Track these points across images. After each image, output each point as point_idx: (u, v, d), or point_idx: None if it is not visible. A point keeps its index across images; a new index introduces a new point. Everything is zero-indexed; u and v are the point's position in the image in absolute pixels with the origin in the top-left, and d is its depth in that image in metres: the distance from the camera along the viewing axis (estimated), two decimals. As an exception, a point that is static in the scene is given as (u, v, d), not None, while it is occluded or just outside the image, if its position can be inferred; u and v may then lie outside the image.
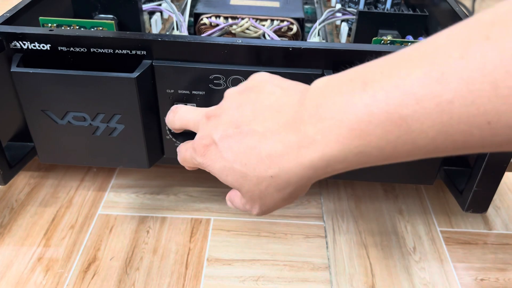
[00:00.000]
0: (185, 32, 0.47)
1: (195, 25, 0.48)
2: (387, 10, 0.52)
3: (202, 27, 0.48)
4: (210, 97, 0.39)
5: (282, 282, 0.42)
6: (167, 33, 0.50)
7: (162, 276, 0.43)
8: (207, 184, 0.54)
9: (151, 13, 0.51)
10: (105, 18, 0.47)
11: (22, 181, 0.53)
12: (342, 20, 0.52)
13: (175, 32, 0.47)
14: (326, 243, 0.47)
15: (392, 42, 0.41)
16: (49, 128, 0.39)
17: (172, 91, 0.39)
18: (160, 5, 0.50)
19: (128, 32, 0.38)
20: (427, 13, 0.46)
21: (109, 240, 0.46)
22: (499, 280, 0.44)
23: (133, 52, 0.37)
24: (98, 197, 0.52)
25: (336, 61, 0.37)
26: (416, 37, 0.46)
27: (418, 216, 0.50)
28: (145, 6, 0.50)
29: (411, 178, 0.42)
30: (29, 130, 0.40)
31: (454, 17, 0.46)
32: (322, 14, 0.59)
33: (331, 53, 0.37)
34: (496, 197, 0.54)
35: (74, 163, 0.43)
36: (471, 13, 1.06)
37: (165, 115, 0.40)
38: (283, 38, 0.48)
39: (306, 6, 0.60)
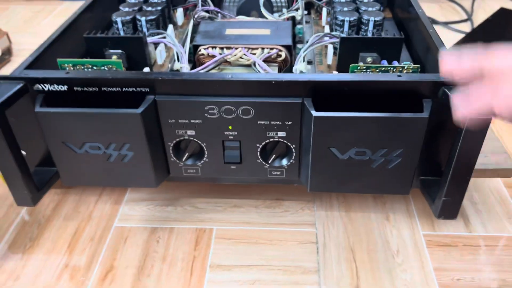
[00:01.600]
0: (185, 63, 0.52)
1: (194, 55, 0.54)
2: (370, 31, 0.56)
3: (201, 57, 0.53)
4: (206, 124, 0.45)
5: (275, 285, 0.48)
6: (169, 65, 0.55)
7: (171, 282, 0.49)
8: (211, 195, 0.59)
9: (157, 43, 0.57)
10: (114, 53, 0.53)
11: (47, 197, 0.59)
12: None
13: (176, 64, 0.53)
14: (317, 248, 0.52)
15: (367, 68, 0.46)
16: (69, 156, 0.46)
17: (173, 120, 0.45)
18: (164, 37, 0.56)
19: (133, 72, 0.44)
20: (403, 36, 0.50)
21: (124, 250, 0.52)
22: (474, 279, 0.48)
23: (138, 89, 0.43)
24: (114, 210, 0.58)
25: (314, 90, 0.42)
26: (390, 61, 0.50)
27: (404, 221, 0.55)
28: (150, 39, 0.55)
29: (387, 188, 0.46)
30: (52, 158, 0.46)
31: (428, 38, 0.50)
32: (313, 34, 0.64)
33: (309, 84, 0.42)
34: (478, 200, 0.58)
35: (92, 184, 0.49)
36: (469, 14, 1.09)
37: (169, 141, 0.46)
38: (274, 64, 0.53)
39: (299, 26, 0.65)
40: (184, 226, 0.55)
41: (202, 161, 0.48)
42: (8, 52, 0.94)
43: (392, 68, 0.46)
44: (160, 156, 0.47)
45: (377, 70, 0.46)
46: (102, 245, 0.53)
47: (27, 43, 1.03)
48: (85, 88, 0.43)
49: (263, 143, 0.46)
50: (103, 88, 0.43)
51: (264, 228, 0.55)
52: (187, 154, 0.47)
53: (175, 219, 0.56)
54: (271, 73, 0.43)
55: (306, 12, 0.68)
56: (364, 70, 0.46)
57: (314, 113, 0.41)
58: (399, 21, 0.66)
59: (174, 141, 0.46)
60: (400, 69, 0.46)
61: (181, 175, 0.49)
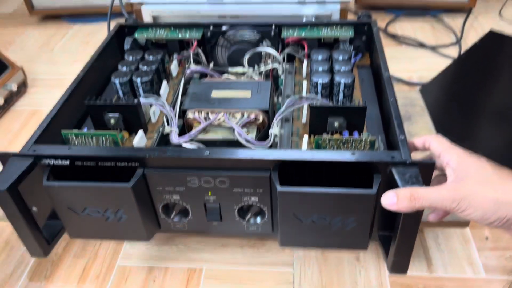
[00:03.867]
0: (174, 127, 0.59)
1: (183, 117, 0.61)
2: (342, 91, 0.62)
3: (189, 119, 0.60)
4: (189, 191, 0.52)
5: (253, 325, 0.55)
6: (160, 128, 0.62)
7: (164, 318, 0.57)
8: (202, 235, 0.66)
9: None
10: (112, 117, 0.60)
11: (59, 238, 0.68)
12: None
13: (166, 127, 0.59)
14: (292, 288, 0.59)
15: (329, 140, 0.52)
16: (74, 217, 0.53)
17: (160, 188, 0.52)
18: (157, 99, 0.62)
19: (125, 149, 0.51)
20: (366, 106, 0.56)
21: (125, 289, 0.61)
22: (428, 320, 0.55)
23: (129, 164, 0.50)
24: (117, 249, 0.66)
25: (279, 165, 0.49)
26: (356, 124, 0.56)
27: (372, 262, 0.62)
28: (143, 100, 0.62)
29: (348, 245, 0.53)
30: (59, 218, 0.54)
31: (388, 109, 0.56)
32: (294, 84, 0.70)
33: (274, 161, 0.48)
34: (442, 241, 0.64)
35: (94, 238, 0.56)
36: (458, 37, 1.12)
37: (157, 203, 0.54)
38: (253, 126, 0.59)
39: (282, 77, 0.71)
40: (177, 266, 0.63)
41: (187, 219, 0.55)
42: (23, 85, 1.03)
43: (351, 140, 0.52)
44: (150, 215, 0.54)
45: (338, 142, 0.52)
46: (106, 283, 0.61)
47: (41, 72, 1.12)
48: (84, 163, 0.51)
49: (240, 206, 0.53)
50: (99, 163, 0.51)
51: (247, 268, 0.62)
52: (174, 213, 0.55)
53: (170, 258, 0.64)
54: (242, 151, 0.49)
55: (287, 65, 0.74)
56: (327, 142, 0.52)
57: (279, 188, 0.47)
58: (376, 69, 0.71)
59: (162, 203, 0.53)
60: (359, 141, 0.52)
61: (170, 229, 0.56)
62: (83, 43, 1.23)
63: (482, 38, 1.09)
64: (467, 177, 0.44)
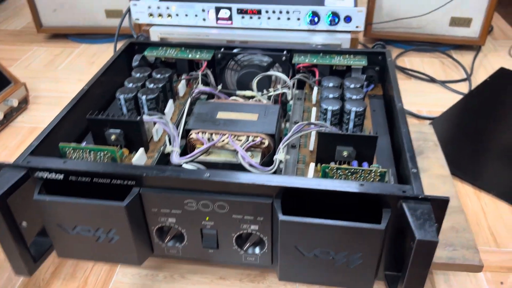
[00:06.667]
0: (176, 147, 0.57)
1: (187, 137, 0.59)
2: (352, 120, 0.60)
3: (192, 140, 0.58)
4: (186, 214, 0.49)
5: None
6: (161, 147, 0.60)
7: None
8: (200, 263, 0.63)
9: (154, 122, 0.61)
10: (113, 133, 0.57)
11: (48, 260, 0.63)
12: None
13: (168, 147, 0.57)
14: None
15: (337, 169, 0.50)
16: (63, 235, 0.50)
17: (156, 209, 0.49)
18: (161, 118, 0.60)
19: (121, 166, 0.49)
20: (377, 135, 0.53)
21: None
22: None
23: (125, 182, 0.48)
24: (109, 276, 0.62)
25: (283, 192, 0.46)
26: (365, 155, 0.54)
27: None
28: (146, 118, 0.60)
29: (351, 284, 0.49)
30: (48, 235, 0.51)
31: (400, 139, 0.54)
32: (303, 111, 0.68)
33: (278, 188, 0.46)
34: (454, 284, 0.60)
35: (83, 259, 0.53)
36: (468, 74, 1.11)
37: (152, 226, 0.51)
38: (258, 150, 0.57)
39: (290, 103, 0.69)
40: (170, 298, 0.59)
41: (182, 244, 0.52)
42: (24, 101, 1.01)
43: (360, 170, 0.49)
44: (144, 238, 0.51)
45: (347, 172, 0.50)
46: (94, 313, 0.58)
47: (44, 89, 1.11)
48: (79, 178, 0.48)
49: (238, 233, 0.50)
50: (94, 179, 0.48)
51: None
52: (168, 237, 0.52)
53: (163, 290, 0.60)
54: (244, 175, 0.47)
55: (297, 91, 0.72)
56: (335, 171, 0.50)
57: (281, 216, 0.45)
58: (388, 99, 0.69)
59: (157, 226, 0.51)
60: (368, 172, 0.49)
61: (163, 254, 0.53)
62: (89, 63, 1.22)
63: (492, 75, 1.08)
64: None
